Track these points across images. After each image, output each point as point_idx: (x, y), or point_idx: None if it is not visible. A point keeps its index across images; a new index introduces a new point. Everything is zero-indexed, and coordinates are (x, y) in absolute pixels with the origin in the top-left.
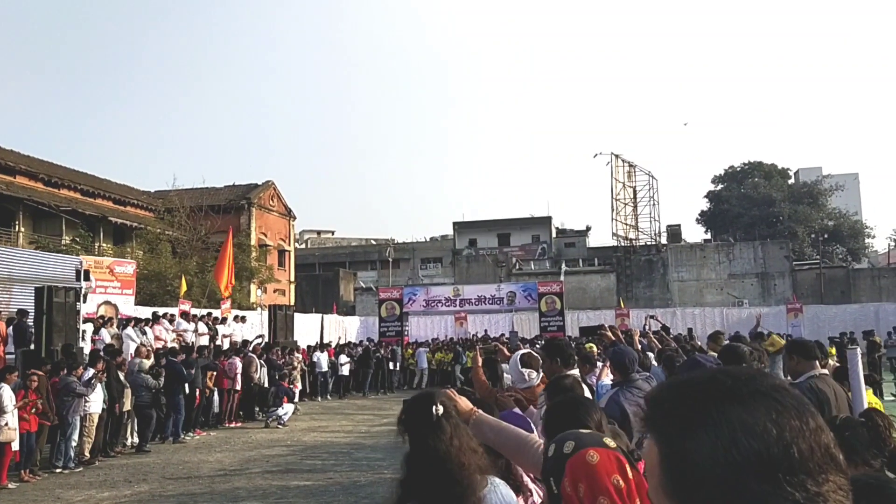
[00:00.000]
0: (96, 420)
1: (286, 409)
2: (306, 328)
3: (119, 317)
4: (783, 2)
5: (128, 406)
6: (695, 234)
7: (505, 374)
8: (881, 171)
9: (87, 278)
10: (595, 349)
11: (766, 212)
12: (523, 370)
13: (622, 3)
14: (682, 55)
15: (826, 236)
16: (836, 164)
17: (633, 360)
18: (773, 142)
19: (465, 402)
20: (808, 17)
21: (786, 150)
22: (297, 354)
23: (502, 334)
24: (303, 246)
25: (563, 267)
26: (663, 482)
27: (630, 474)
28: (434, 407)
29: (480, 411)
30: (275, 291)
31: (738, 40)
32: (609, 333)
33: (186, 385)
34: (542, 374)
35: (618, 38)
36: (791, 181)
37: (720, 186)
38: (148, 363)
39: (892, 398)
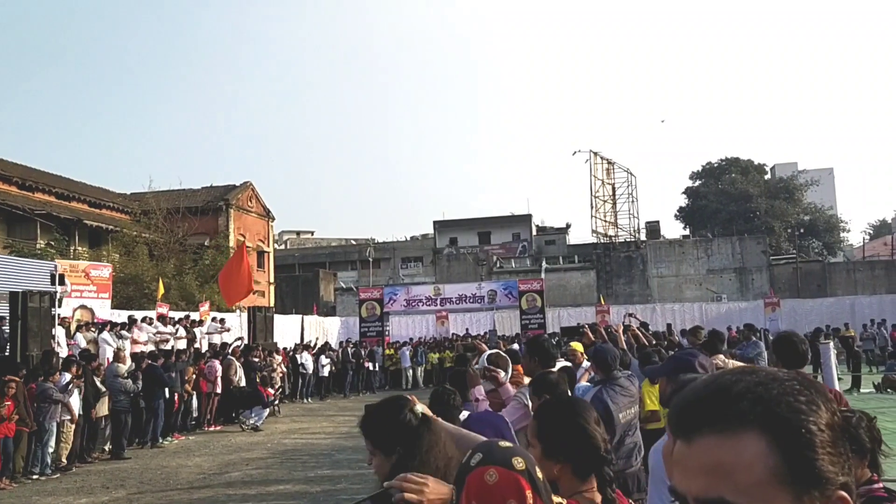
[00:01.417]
0: (73, 425)
1: (259, 414)
2: (286, 329)
3: (95, 321)
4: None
5: (104, 411)
6: (673, 230)
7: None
8: (855, 165)
9: (62, 282)
10: (581, 349)
11: (743, 207)
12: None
13: (600, 1)
14: (659, 53)
15: (802, 231)
16: (811, 159)
17: (615, 358)
18: (749, 138)
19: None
20: (782, 16)
21: (762, 145)
22: (276, 356)
23: (484, 333)
24: (282, 247)
25: (544, 264)
26: (778, 471)
27: (529, 500)
28: (409, 414)
29: (438, 419)
30: (254, 293)
31: (715, 38)
32: (589, 333)
33: (167, 390)
34: (510, 373)
35: (596, 36)
36: (767, 177)
37: (698, 182)
38: (125, 367)
39: (871, 390)
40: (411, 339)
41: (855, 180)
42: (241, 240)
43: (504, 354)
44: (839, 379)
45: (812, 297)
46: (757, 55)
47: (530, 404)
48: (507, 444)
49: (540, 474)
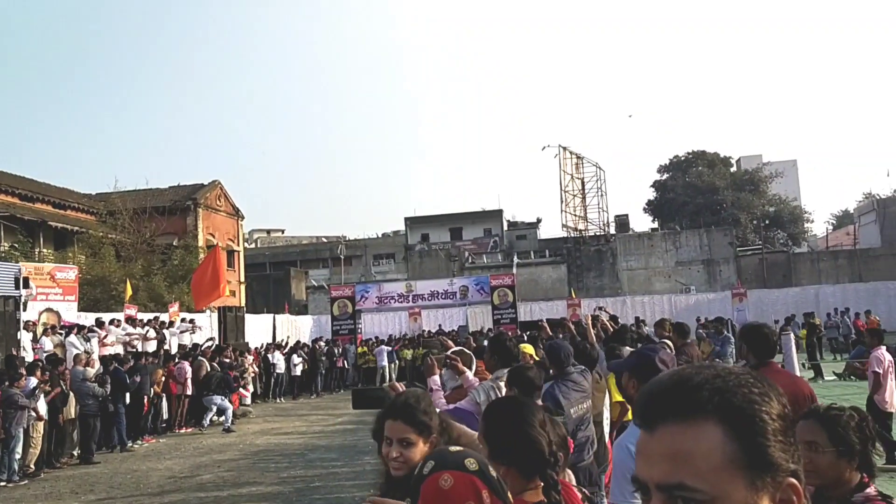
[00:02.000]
0: (41, 430)
1: (226, 415)
2: (258, 329)
3: (62, 324)
4: None
5: (72, 415)
6: (642, 223)
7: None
8: (818, 157)
9: (26, 286)
10: (531, 352)
11: (710, 199)
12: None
13: None
14: (626, 48)
15: (767, 222)
16: (775, 151)
17: (569, 354)
18: (715, 131)
19: None
20: (744, 13)
21: (727, 138)
22: (248, 356)
23: (457, 328)
24: (252, 246)
25: (515, 259)
26: (734, 457)
27: (487, 500)
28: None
29: None
30: (228, 293)
31: (680, 34)
32: (546, 327)
33: (128, 394)
34: (473, 370)
35: (564, 32)
36: (733, 169)
37: (665, 176)
38: (93, 371)
39: (834, 378)
40: (391, 337)
41: (818, 172)
42: (210, 239)
43: (468, 352)
44: (804, 366)
45: (778, 287)
46: (721, 50)
47: (483, 402)
48: (458, 448)
49: (494, 472)
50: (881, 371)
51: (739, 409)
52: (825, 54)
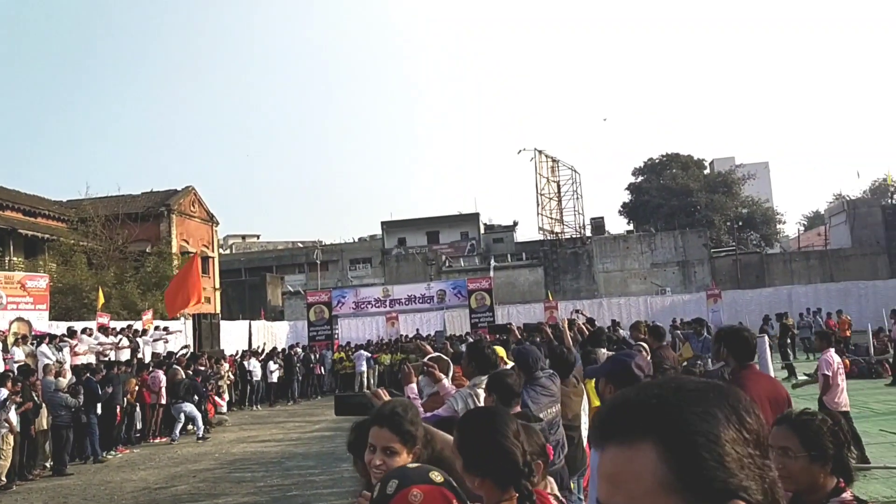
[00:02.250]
0: (12, 442)
1: (193, 422)
2: (233, 336)
3: (33, 333)
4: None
5: (44, 426)
6: (618, 225)
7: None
8: (789, 159)
9: None
10: (503, 354)
11: (684, 202)
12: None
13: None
14: (600, 52)
15: (741, 223)
16: (747, 153)
17: (537, 359)
18: (688, 134)
19: None
20: (716, 14)
21: (701, 141)
22: (224, 364)
23: (434, 333)
24: (227, 252)
25: (492, 263)
26: (667, 481)
27: None
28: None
29: None
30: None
31: (653, 39)
32: (515, 331)
33: (99, 405)
34: (450, 376)
35: (538, 36)
36: (706, 171)
37: (640, 178)
38: (65, 381)
39: (806, 377)
40: (369, 342)
41: (789, 173)
42: (184, 245)
43: (445, 357)
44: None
45: (751, 287)
46: (693, 54)
47: (461, 410)
48: (416, 465)
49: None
50: (830, 373)
51: (676, 430)
52: (796, 57)
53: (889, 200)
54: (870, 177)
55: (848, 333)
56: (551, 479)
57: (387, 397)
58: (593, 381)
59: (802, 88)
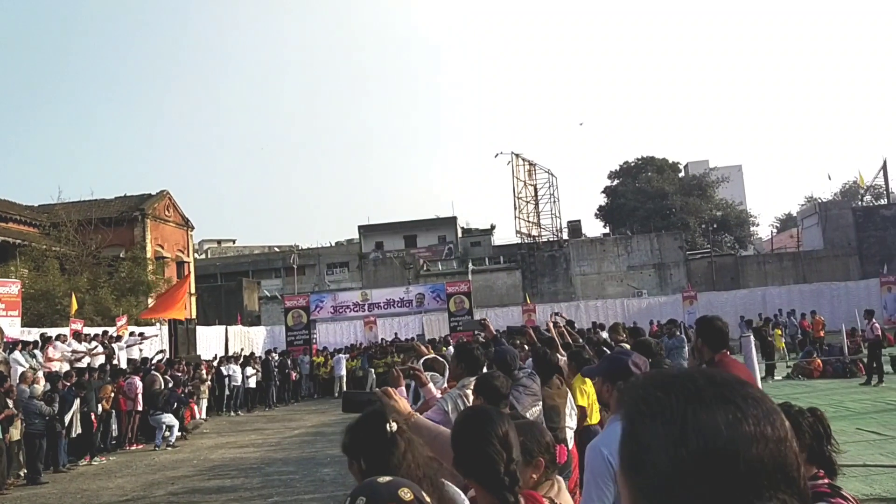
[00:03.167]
0: None
1: (170, 430)
2: (209, 341)
3: (5, 340)
4: (666, 4)
5: (17, 435)
6: (594, 228)
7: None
8: (762, 162)
9: None
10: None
11: (659, 205)
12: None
13: (512, 5)
14: (577, 57)
15: (715, 226)
16: (721, 157)
17: (514, 357)
18: (663, 137)
19: (404, 404)
20: (688, 20)
21: (676, 144)
22: (201, 369)
23: (413, 337)
24: (203, 256)
25: (470, 266)
26: (621, 462)
27: None
28: (388, 425)
29: (417, 414)
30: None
31: (628, 44)
32: (490, 326)
33: (68, 414)
34: (446, 377)
35: (514, 41)
36: (681, 174)
37: (616, 182)
38: (40, 388)
39: (781, 379)
40: (354, 346)
41: (762, 176)
42: (159, 250)
43: (441, 359)
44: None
45: (726, 289)
46: (667, 59)
47: (451, 410)
48: (387, 478)
49: (428, 499)
50: None
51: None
52: (768, 62)
53: (859, 203)
54: (840, 179)
55: (822, 334)
56: (560, 479)
57: (396, 397)
58: (579, 378)
59: (775, 92)
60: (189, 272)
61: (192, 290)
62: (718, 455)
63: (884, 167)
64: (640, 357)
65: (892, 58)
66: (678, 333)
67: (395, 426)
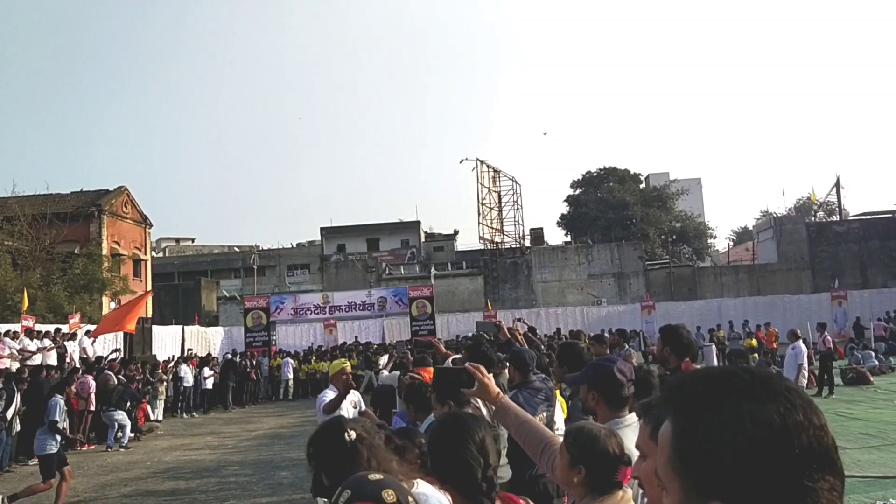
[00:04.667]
0: None
1: (122, 430)
2: (166, 341)
3: None
4: (626, 16)
5: None
6: (556, 236)
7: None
8: (720, 176)
9: None
10: (348, 366)
11: (620, 215)
12: None
13: (480, 13)
14: (542, 65)
15: (674, 237)
16: (681, 169)
17: (532, 359)
18: (625, 149)
19: (492, 384)
20: (653, 34)
21: (637, 156)
22: (159, 370)
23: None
24: (160, 254)
25: (433, 271)
26: (672, 459)
27: None
28: (346, 434)
29: (506, 397)
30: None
31: (591, 52)
32: (441, 346)
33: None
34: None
35: (480, 47)
36: (642, 186)
37: (578, 191)
38: None
39: None
40: (318, 347)
41: (720, 190)
42: (115, 247)
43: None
44: None
45: (684, 299)
46: (630, 72)
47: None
48: (378, 476)
49: (413, 501)
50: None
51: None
52: (726, 79)
53: (812, 218)
54: (795, 195)
55: (775, 345)
56: (628, 490)
57: (483, 375)
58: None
59: (734, 108)
60: (147, 290)
61: (149, 289)
62: (775, 443)
63: (837, 185)
64: (626, 364)
65: (846, 78)
66: (626, 346)
67: (353, 435)
